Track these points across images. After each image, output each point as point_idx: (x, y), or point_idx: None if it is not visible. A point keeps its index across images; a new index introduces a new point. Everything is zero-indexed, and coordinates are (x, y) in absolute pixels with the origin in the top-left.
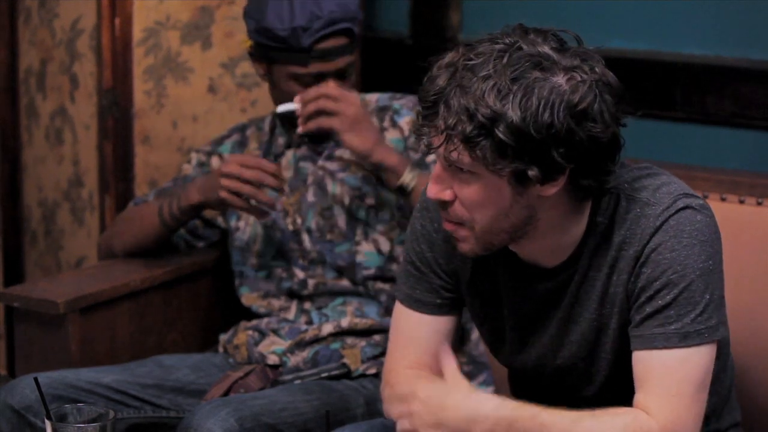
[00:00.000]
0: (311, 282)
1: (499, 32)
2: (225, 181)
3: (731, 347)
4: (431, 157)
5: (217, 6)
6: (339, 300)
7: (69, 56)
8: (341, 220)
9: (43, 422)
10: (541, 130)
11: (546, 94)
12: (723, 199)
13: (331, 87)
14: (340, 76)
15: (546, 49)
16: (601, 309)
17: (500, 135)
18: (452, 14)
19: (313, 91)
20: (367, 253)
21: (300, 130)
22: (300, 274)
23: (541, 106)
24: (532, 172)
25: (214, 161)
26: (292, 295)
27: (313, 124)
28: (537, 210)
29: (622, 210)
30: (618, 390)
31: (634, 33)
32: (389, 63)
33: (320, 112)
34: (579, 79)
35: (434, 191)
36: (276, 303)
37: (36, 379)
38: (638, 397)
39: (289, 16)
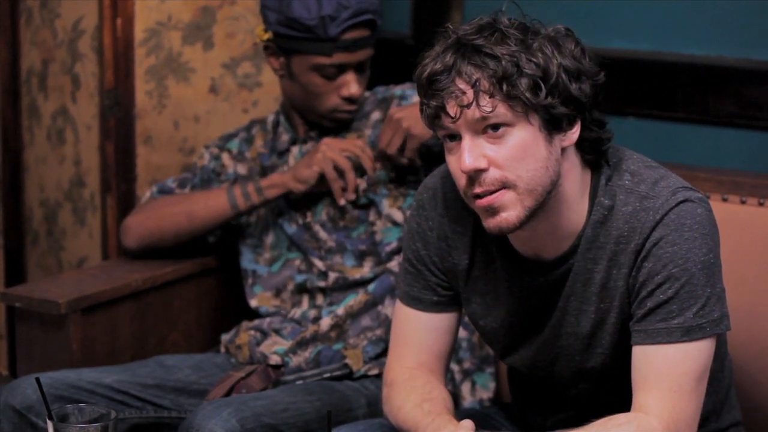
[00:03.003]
0: (332, 275)
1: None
2: (329, 153)
3: (732, 347)
4: None
5: (218, 6)
6: (352, 296)
7: (70, 56)
8: (349, 207)
9: (45, 422)
10: (559, 68)
11: (546, 44)
12: (725, 200)
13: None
14: (359, 68)
15: (522, 20)
16: (600, 303)
17: (529, 71)
18: (454, 14)
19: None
20: (384, 230)
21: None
22: (319, 264)
23: (549, 51)
24: (559, 111)
25: (225, 156)
26: (305, 290)
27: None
28: (561, 171)
29: (619, 203)
30: (614, 384)
31: (635, 33)
32: (391, 63)
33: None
34: (562, 34)
35: (470, 161)
36: (288, 297)
37: (38, 379)
38: (638, 397)
39: (317, 6)
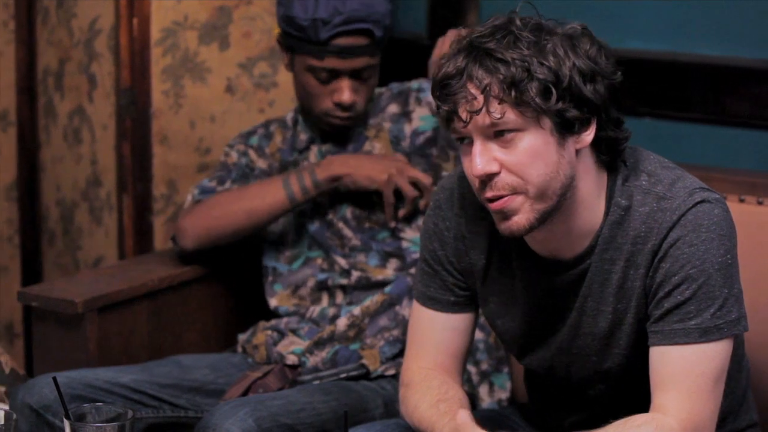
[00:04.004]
0: (355, 273)
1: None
2: (397, 178)
3: (749, 347)
4: None
5: (234, 6)
6: (370, 296)
7: (87, 56)
8: (378, 210)
9: (62, 422)
10: (572, 70)
11: (560, 44)
12: (741, 200)
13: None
14: (355, 75)
15: (537, 19)
16: (617, 304)
17: (540, 76)
18: (469, 15)
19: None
20: (412, 238)
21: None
22: (342, 262)
23: (562, 53)
24: (571, 114)
25: (251, 152)
26: (325, 287)
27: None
28: (576, 172)
29: (636, 203)
30: (631, 385)
31: (650, 33)
32: (407, 63)
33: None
34: (577, 34)
35: (480, 166)
36: (307, 294)
37: (55, 379)
38: (656, 398)
39: (313, 8)
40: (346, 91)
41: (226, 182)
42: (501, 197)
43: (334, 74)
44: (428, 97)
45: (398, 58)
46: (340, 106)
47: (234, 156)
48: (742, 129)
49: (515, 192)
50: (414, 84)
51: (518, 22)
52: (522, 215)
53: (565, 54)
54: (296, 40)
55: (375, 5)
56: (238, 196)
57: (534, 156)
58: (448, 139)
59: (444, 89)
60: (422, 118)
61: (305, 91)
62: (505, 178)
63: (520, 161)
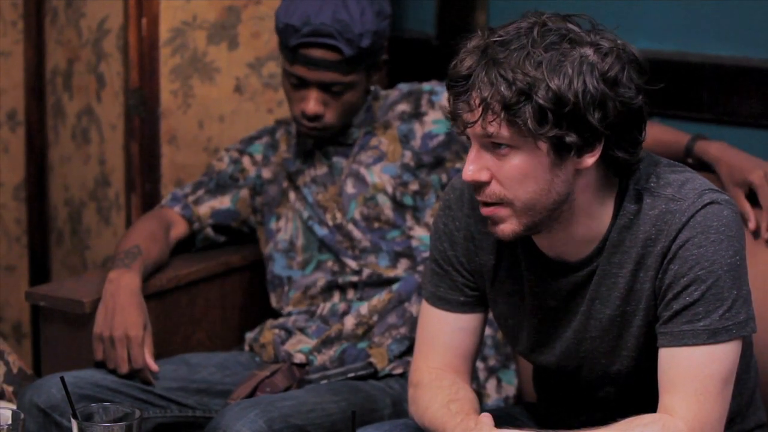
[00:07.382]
0: (366, 271)
1: (519, 18)
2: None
3: (757, 349)
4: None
5: (243, 6)
6: (381, 293)
7: (95, 56)
8: (387, 208)
9: (70, 421)
10: (578, 95)
11: (577, 63)
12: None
13: None
14: (325, 88)
15: (570, 25)
16: (625, 306)
17: (540, 100)
18: (479, 14)
19: None
20: (422, 237)
21: None
22: (352, 264)
23: (574, 73)
24: (570, 139)
25: (245, 160)
26: (336, 285)
27: None
28: (574, 188)
29: (646, 206)
30: (641, 387)
31: (661, 34)
32: (416, 63)
33: None
34: (605, 50)
35: (470, 172)
36: (317, 293)
37: (62, 378)
38: (663, 399)
39: (291, 12)
40: (310, 102)
41: (199, 191)
42: (490, 204)
43: (303, 82)
44: (442, 101)
45: (407, 58)
46: (305, 115)
47: (224, 162)
48: (753, 129)
49: (502, 203)
50: (426, 86)
51: (536, 34)
52: (507, 225)
53: (577, 75)
54: (279, 40)
55: (352, 24)
56: (134, 237)
57: (524, 174)
58: (463, 143)
59: (452, 88)
60: (435, 121)
61: (285, 92)
62: (494, 188)
63: (511, 177)
